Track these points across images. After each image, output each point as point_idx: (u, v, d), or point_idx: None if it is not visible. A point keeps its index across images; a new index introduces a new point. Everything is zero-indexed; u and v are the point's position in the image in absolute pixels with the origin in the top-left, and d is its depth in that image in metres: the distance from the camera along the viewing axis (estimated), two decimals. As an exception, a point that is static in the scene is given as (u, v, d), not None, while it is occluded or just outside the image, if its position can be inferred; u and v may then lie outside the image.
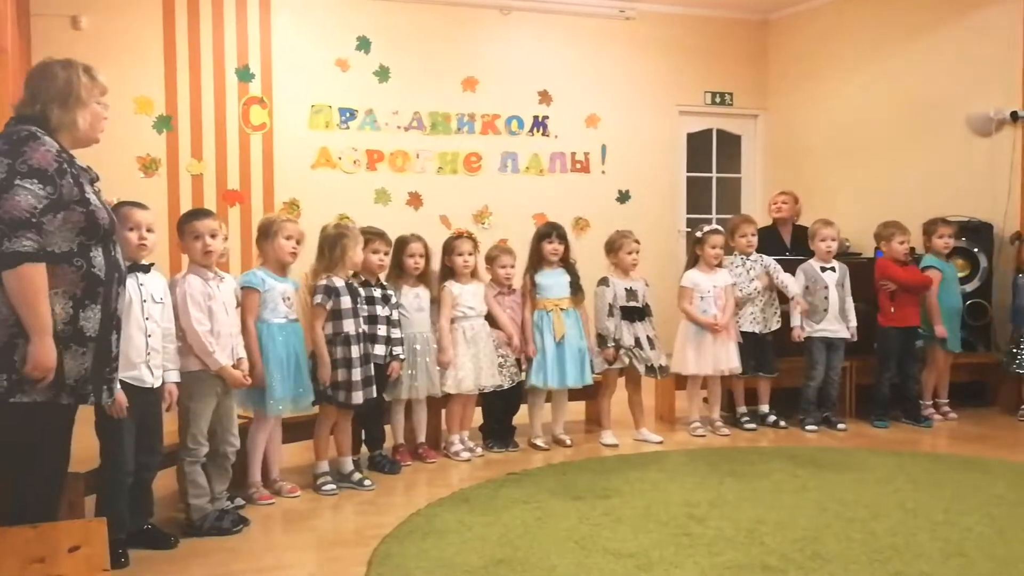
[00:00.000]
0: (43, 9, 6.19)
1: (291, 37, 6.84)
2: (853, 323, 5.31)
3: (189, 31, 6.59)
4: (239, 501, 3.79)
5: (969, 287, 5.93)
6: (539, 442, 4.87)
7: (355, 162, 7.00)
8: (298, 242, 3.97)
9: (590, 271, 5.10)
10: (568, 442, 4.95)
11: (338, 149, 6.96)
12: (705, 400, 5.39)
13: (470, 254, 4.72)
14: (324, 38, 6.92)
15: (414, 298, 4.57)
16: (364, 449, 4.54)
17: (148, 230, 3.21)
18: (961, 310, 5.65)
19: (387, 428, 4.65)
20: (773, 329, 5.33)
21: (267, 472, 4.05)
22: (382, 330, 4.30)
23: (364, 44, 7.01)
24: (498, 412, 4.94)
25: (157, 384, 3.23)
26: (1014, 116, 6.04)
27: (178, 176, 6.60)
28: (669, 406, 5.60)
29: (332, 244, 4.09)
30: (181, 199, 6.52)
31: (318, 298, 4.03)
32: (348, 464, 4.20)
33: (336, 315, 4.05)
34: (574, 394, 5.09)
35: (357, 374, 4.05)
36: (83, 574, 2.04)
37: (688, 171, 8.16)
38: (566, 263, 4.95)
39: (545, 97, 7.52)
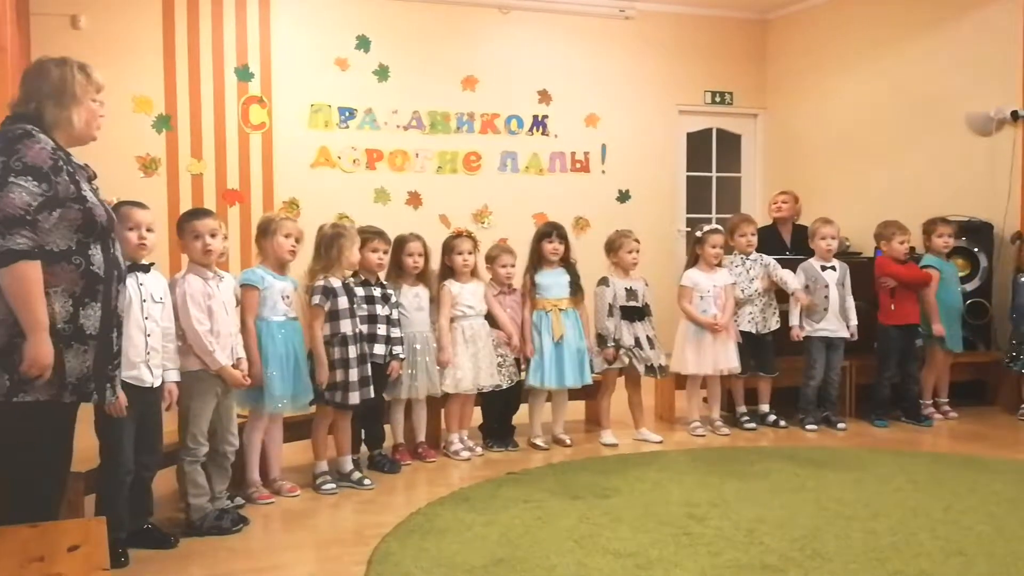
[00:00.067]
0: (42, 8, 6.18)
1: (290, 36, 6.83)
2: (854, 322, 5.31)
3: (188, 30, 6.59)
4: (239, 500, 3.80)
5: (969, 286, 5.92)
6: (539, 442, 4.87)
7: (354, 161, 7.00)
8: (297, 240, 3.97)
9: (590, 271, 5.10)
10: (568, 442, 4.95)
11: (337, 148, 6.96)
12: (705, 400, 5.39)
13: (470, 253, 4.72)
14: (323, 37, 6.92)
15: (413, 297, 4.57)
16: (364, 448, 4.54)
17: (148, 230, 3.21)
18: (961, 309, 5.64)
19: (387, 427, 4.65)
20: (772, 329, 5.32)
21: (267, 471, 4.05)
22: (382, 329, 4.30)
23: (363, 43, 7.01)
24: (498, 412, 4.94)
25: (157, 384, 3.23)
26: (1014, 115, 6.04)
27: (178, 176, 6.60)
28: (669, 406, 5.60)
29: (329, 244, 4.09)
30: (181, 199, 6.52)
31: (316, 299, 4.03)
32: (348, 463, 4.20)
33: (333, 316, 4.05)
34: (574, 394, 5.09)
35: (354, 374, 4.05)
36: (82, 573, 2.03)
37: (688, 170, 8.16)
38: (566, 263, 4.95)
39: (545, 96, 7.52)
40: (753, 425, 5.31)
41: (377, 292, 4.36)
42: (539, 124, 7.51)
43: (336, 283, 4.08)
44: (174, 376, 3.36)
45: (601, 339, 4.94)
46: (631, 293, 4.99)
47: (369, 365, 4.16)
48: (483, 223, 7.23)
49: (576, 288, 4.92)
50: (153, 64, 6.52)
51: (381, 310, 4.33)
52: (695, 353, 5.12)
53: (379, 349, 4.29)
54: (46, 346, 2.44)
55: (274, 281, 3.89)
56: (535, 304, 4.86)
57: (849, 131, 7.33)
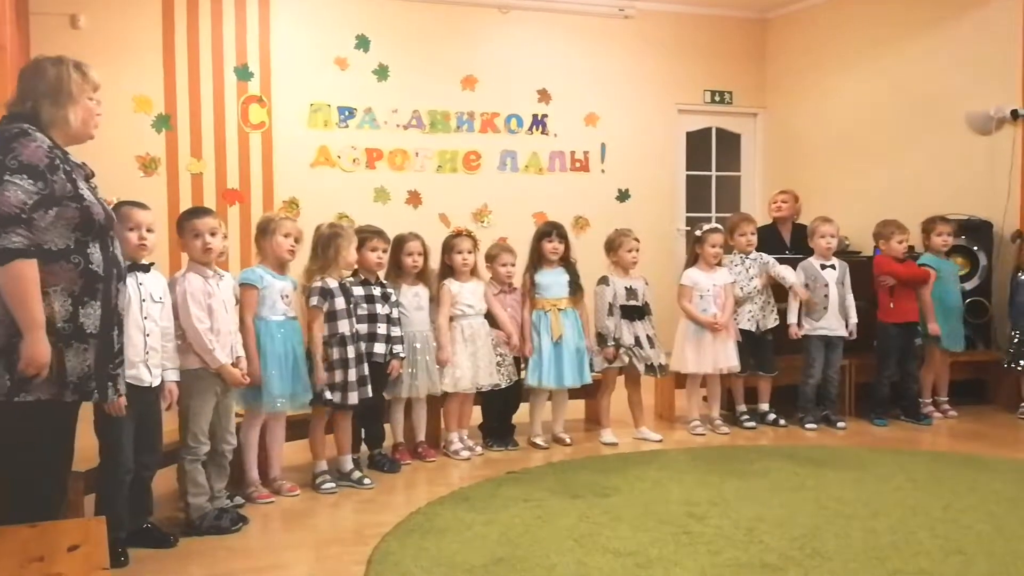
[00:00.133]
0: (42, 8, 6.18)
1: (290, 35, 6.83)
2: (854, 320, 5.31)
3: (188, 30, 6.59)
4: (238, 500, 3.80)
5: (968, 285, 5.92)
6: (539, 441, 4.87)
7: (354, 161, 7.00)
8: (296, 240, 3.97)
9: (590, 270, 5.10)
10: (568, 441, 4.95)
11: (337, 148, 6.96)
12: (704, 399, 5.39)
13: (469, 252, 4.73)
14: (323, 36, 6.92)
15: (413, 297, 4.57)
16: (364, 448, 4.54)
17: (148, 230, 3.22)
18: (961, 308, 5.63)
19: (386, 427, 4.65)
20: (771, 326, 5.32)
21: (268, 471, 4.06)
22: (382, 328, 4.31)
23: (363, 42, 7.01)
24: (497, 411, 4.94)
25: (156, 383, 3.23)
26: (1014, 114, 6.04)
27: (177, 175, 6.60)
28: (669, 405, 5.61)
29: (326, 244, 4.09)
30: (181, 198, 6.52)
31: (313, 300, 4.03)
32: (348, 463, 4.21)
33: (331, 316, 4.05)
34: (574, 393, 5.08)
35: (353, 374, 4.05)
36: (82, 573, 2.03)
37: (687, 170, 8.15)
38: (566, 262, 4.95)
39: (544, 96, 7.52)
40: (753, 424, 5.31)
41: (377, 291, 4.36)
42: (539, 123, 7.51)
43: (333, 283, 4.08)
44: (174, 376, 3.36)
45: (601, 338, 4.95)
46: (631, 292, 4.99)
47: (366, 365, 4.16)
48: (483, 222, 7.23)
49: (576, 288, 4.92)
50: (153, 64, 6.51)
51: (381, 309, 4.33)
52: (695, 352, 5.12)
53: (379, 348, 4.29)
54: (43, 345, 2.44)
55: (273, 281, 3.90)
56: (534, 304, 4.86)
57: (849, 130, 7.33)
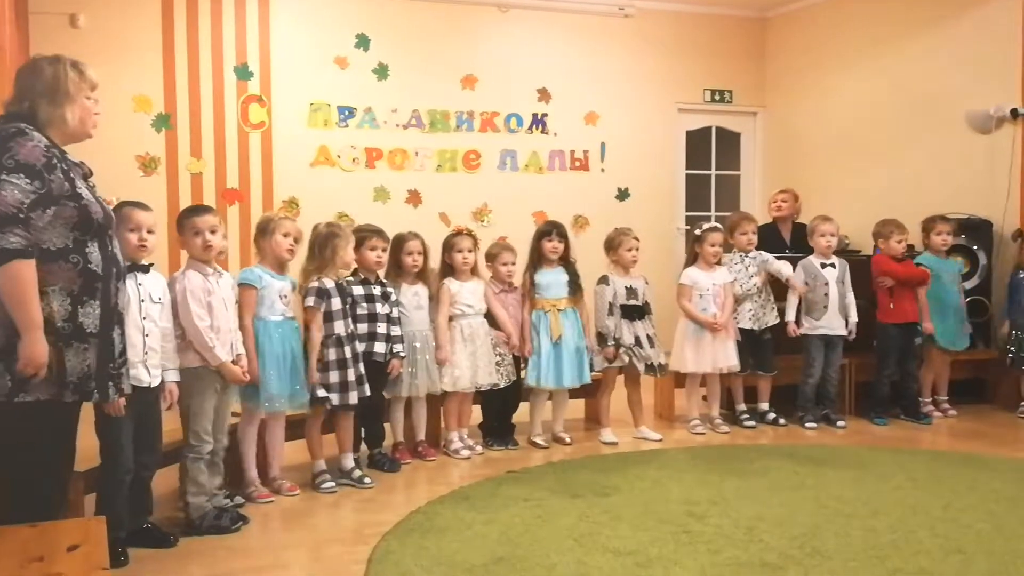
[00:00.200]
0: (41, 7, 6.17)
1: (290, 35, 6.83)
2: (854, 319, 5.31)
3: (188, 29, 6.58)
4: (238, 499, 3.80)
5: (968, 284, 5.91)
6: (539, 440, 4.87)
7: (354, 160, 7.00)
8: (296, 240, 3.97)
9: (589, 269, 5.10)
10: (568, 440, 4.95)
11: (337, 147, 6.96)
12: (704, 398, 5.39)
13: (470, 251, 4.73)
14: (323, 36, 6.91)
15: (413, 296, 4.57)
16: (363, 447, 4.54)
17: (149, 231, 3.21)
18: (961, 307, 5.62)
19: (386, 426, 4.65)
20: (770, 324, 5.31)
21: (267, 470, 4.06)
22: (382, 328, 4.31)
23: (363, 42, 7.00)
24: (497, 410, 4.94)
25: (155, 383, 3.23)
26: (1014, 113, 6.03)
27: (177, 175, 6.59)
28: (668, 404, 5.61)
29: (323, 244, 4.08)
30: (180, 198, 6.51)
31: (310, 301, 4.02)
32: (349, 461, 4.21)
33: (327, 317, 4.05)
34: (574, 392, 5.08)
35: (350, 374, 4.05)
36: (82, 573, 2.03)
37: (687, 169, 8.15)
38: (565, 262, 4.95)
39: (544, 95, 7.51)
40: (752, 423, 5.31)
41: (377, 290, 4.36)
42: (538, 122, 7.50)
43: (330, 284, 4.07)
44: (174, 376, 3.36)
45: (601, 337, 4.95)
46: (631, 292, 4.99)
47: (362, 364, 4.16)
48: (482, 221, 7.23)
49: (575, 287, 4.92)
50: (152, 63, 6.51)
51: (381, 308, 4.34)
52: (694, 351, 5.12)
53: (379, 347, 4.29)
54: (41, 345, 2.44)
55: (272, 280, 3.89)
56: (534, 304, 4.86)
57: (849, 129, 7.32)
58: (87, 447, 3.09)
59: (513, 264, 4.88)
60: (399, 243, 4.57)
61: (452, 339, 4.63)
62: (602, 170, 7.70)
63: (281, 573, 3.15)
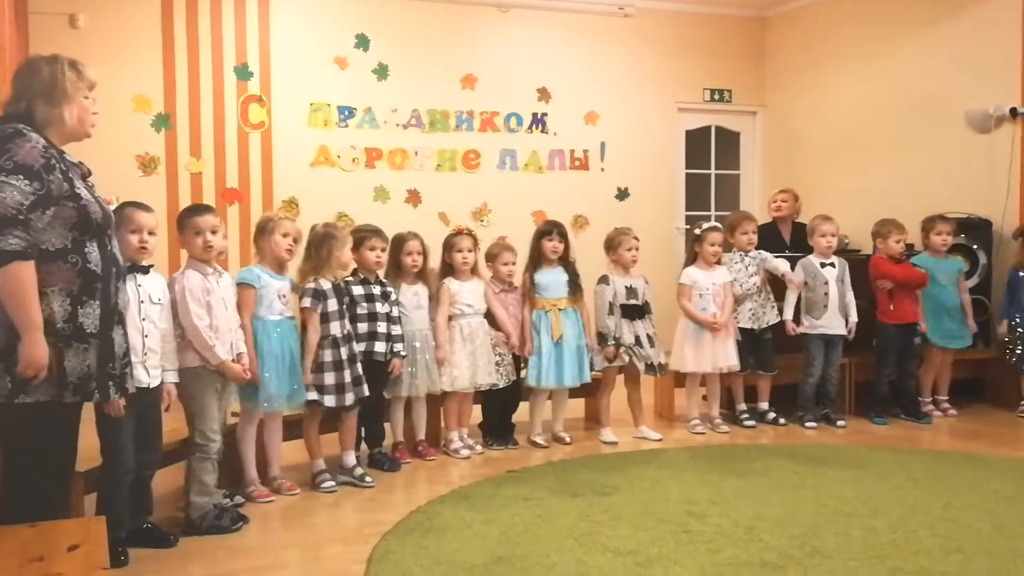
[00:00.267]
0: (41, 7, 6.17)
1: (290, 35, 6.82)
2: (854, 318, 5.31)
3: (187, 29, 6.58)
4: (238, 499, 3.80)
5: (968, 283, 5.90)
6: (539, 440, 4.87)
7: (354, 160, 7.00)
8: (295, 240, 3.98)
9: (589, 269, 5.10)
10: (567, 440, 4.95)
11: (337, 147, 6.95)
12: (704, 398, 5.39)
13: (469, 251, 4.73)
14: (323, 36, 6.91)
15: (413, 296, 4.57)
16: (363, 447, 4.54)
17: (150, 233, 3.21)
18: (959, 307, 5.61)
19: (386, 426, 4.65)
20: (771, 323, 5.31)
21: (267, 470, 4.06)
22: (382, 327, 4.31)
23: (363, 42, 7.00)
24: (497, 410, 4.94)
25: (155, 384, 3.23)
26: (1013, 112, 6.03)
27: (177, 175, 6.59)
28: (668, 404, 5.61)
29: (319, 245, 4.08)
30: (180, 197, 6.51)
31: (306, 302, 4.02)
32: (351, 458, 4.21)
33: (323, 318, 4.05)
34: (573, 391, 5.09)
35: (346, 375, 4.04)
36: (82, 573, 2.03)
37: (687, 168, 8.15)
38: (565, 261, 4.95)
39: (544, 94, 7.51)
40: (752, 423, 5.31)
41: (376, 290, 4.37)
42: (538, 122, 7.50)
43: (326, 284, 4.07)
44: (172, 377, 3.36)
45: (601, 337, 4.95)
46: (631, 291, 4.99)
47: (360, 365, 4.16)
48: (482, 221, 7.23)
49: (575, 287, 4.92)
50: (152, 63, 6.51)
51: (381, 308, 4.34)
52: (694, 351, 5.12)
53: (380, 347, 4.29)
54: (41, 347, 2.44)
55: (271, 280, 3.90)
56: (534, 303, 4.86)
57: (848, 128, 7.32)
58: (87, 447, 3.08)
59: (513, 264, 4.89)
60: (399, 243, 4.57)
61: (451, 339, 4.63)
62: (602, 170, 7.69)
63: (281, 573, 3.16)
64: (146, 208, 3.23)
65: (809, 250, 5.51)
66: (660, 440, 4.99)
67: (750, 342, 5.27)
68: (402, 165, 7.12)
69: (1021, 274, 5.63)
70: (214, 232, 3.53)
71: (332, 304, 4.07)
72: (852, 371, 5.61)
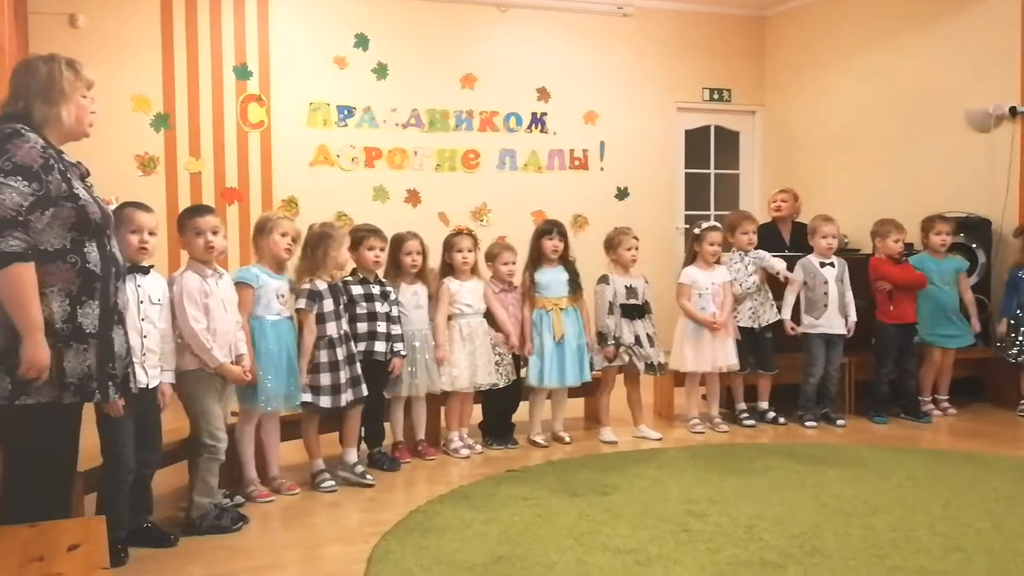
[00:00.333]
0: (41, 7, 6.17)
1: (289, 34, 6.82)
2: (853, 318, 5.31)
3: (187, 29, 6.58)
4: (238, 499, 3.80)
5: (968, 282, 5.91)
6: (538, 439, 4.87)
7: (353, 159, 7.00)
8: (293, 239, 3.98)
9: (589, 268, 5.10)
10: (567, 439, 4.95)
11: (336, 147, 6.95)
12: (704, 397, 5.39)
13: (469, 251, 4.73)
14: (322, 35, 6.91)
15: (412, 295, 4.57)
16: (363, 446, 4.54)
17: (151, 233, 3.21)
18: (958, 307, 5.60)
19: (386, 425, 4.65)
20: (771, 321, 5.31)
21: (266, 470, 4.06)
22: (382, 327, 4.31)
23: (362, 41, 7.00)
24: (497, 409, 4.94)
25: (153, 384, 3.23)
26: (1012, 111, 6.03)
27: (176, 174, 6.59)
28: (668, 403, 5.61)
29: (315, 245, 4.08)
30: (180, 197, 6.51)
31: (301, 303, 4.01)
32: (352, 455, 4.20)
33: (319, 319, 4.04)
34: (573, 391, 5.09)
35: (342, 376, 4.04)
36: (82, 572, 2.03)
37: (686, 167, 8.15)
38: (565, 260, 4.95)
39: (543, 94, 7.51)
40: (752, 422, 5.31)
41: (376, 290, 4.36)
42: (538, 122, 7.50)
43: (322, 285, 4.06)
44: (169, 378, 3.36)
45: (601, 337, 4.94)
46: (631, 291, 4.98)
47: (359, 364, 4.15)
48: (482, 221, 7.23)
49: (575, 286, 4.92)
50: (151, 62, 6.51)
51: (381, 307, 4.34)
52: (694, 350, 5.12)
53: (380, 346, 4.29)
54: (42, 348, 2.43)
55: (269, 280, 3.89)
56: (535, 303, 4.86)
57: (847, 127, 7.33)
58: (87, 447, 3.08)
59: (514, 264, 4.88)
60: (398, 243, 4.57)
61: (450, 338, 4.63)
62: (601, 169, 7.70)
63: (281, 573, 3.15)
64: (146, 208, 3.23)
65: (809, 250, 5.51)
66: (660, 439, 4.99)
67: (750, 341, 5.27)
68: (401, 165, 7.12)
69: (1021, 273, 5.62)
70: (215, 233, 3.52)
71: (328, 304, 4.06)
72: (852, 370, 5.61)
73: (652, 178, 7.83)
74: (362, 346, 4.22)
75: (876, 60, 7.07)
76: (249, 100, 6.75)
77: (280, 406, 3.93)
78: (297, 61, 6.84)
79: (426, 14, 7.16)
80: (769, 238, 5.98)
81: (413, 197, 7.14)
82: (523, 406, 4.98)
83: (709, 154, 8.25)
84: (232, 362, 3.56)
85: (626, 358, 4.94)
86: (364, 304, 4.28)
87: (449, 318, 4.65)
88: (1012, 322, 5.58)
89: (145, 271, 3.23)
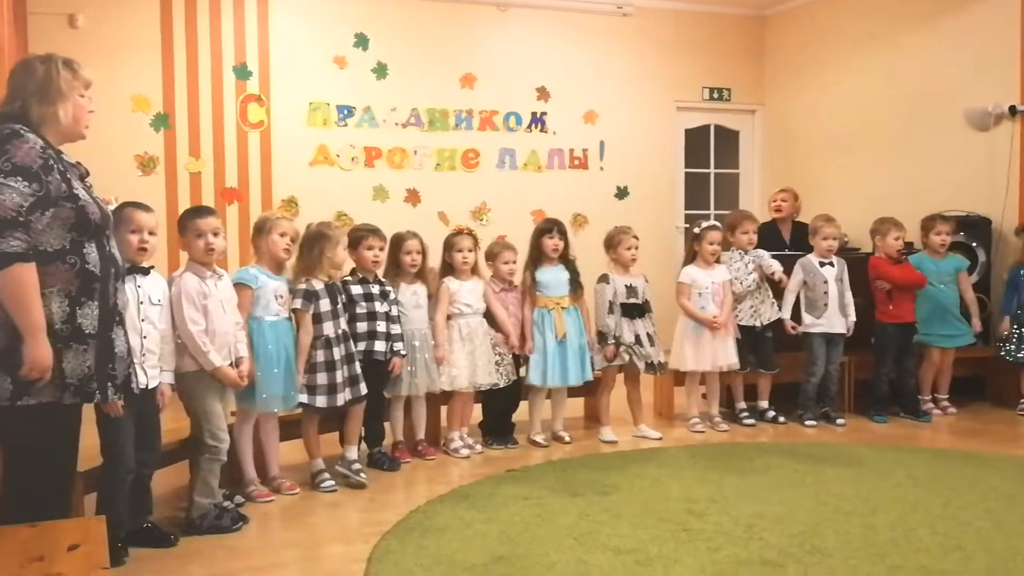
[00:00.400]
0: (40, 7, 6.17)
1: (289, 34, 6.82)
2: (852, 318, 5.31)
3: (186, 29, 6.58)
4: (238, 499, 3.80)
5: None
6: (538, 439, 4.87)
7: (353, 159, 7.00)
8: (292, 239, 3.97)
9: (589, 268, 5.09)
10: (567, 439, 4.95)
11: (336, 146, 6.95)
12: (704, 396, 5.39)
13: (470, 251, 4.72)
14: (322, 35, 6.91)
15: (412, 295, 4.57)
16: (363, 446, 4.54)
17: (151, 233, 3.20)
18: (958, 306, 5.59)
19: (386, 425, 4.65)
20: (771, 319, 5.30)
21: (266, 470, 4.06)
22: (382, 326, 4.31)
23: (362, 41, 7.00)
24: (497, 409, 4.93)
25: (153, 384, 3.23)
26: (1012, 110, 6.03)
27: (176, 174, 6.59)
28: (668, 402, 5.61)
29: (311, 244, 4.07)
30: (179, 197, 6.51)
31: (297, 303, 4.00)
32: (352, 453, 4.20)
33: (316, 319, 4.03)
34: (573, 390, 5.08)
35: (339, 376, 4.04)
36: (82, 572, 2.03)
37: (686, 167, 8.15)
38: (565, 259, 4.95)
39: (543, 93, 7.51)
40: (752, 421, 5.31)
41: (375, 289, 4.36)
42: (537, 121, 7.50)
43: (319, 285, 4.06)
44: (167, 378, 3.35)
45: (601, 336, 4.94)
46: (631, 290, 4.98)
47: (357, 364, 4.15)
48: (482, 220, 7.23)
49: (576, 285, 4.92)
50: (151, 62, 6.51)
51: (380, 307, 4.34)
52: (694, 350, 5.12)
53: (380, 346, 4.29)
54: (44, 349, 2.43)
55: (268, 280, 3.89)
56: (536, 302, 4.86)
57: (847, 126, 7.33)
58: (87, 447, 3.08)
59: (514, 263, 4.88)
60: (397, 242, 4.57)
61: (450, 338, 4.63)
62: (601, 168, 7.70)
63: (281, 573, 3.15)
64: (146, 208, 3.22)
65: (809, 249, 5.50)
66: (660, 439, 4.99)
67: (751, 340, 5.27)
68: (401, 164, 7.12)
69: (1022, 272, 5.62)
70: (216, 234, 3.51)
71: (325, 304, 4.05)
72: (852, 370, 5.62)
73: (652, 177, 7.83)
74: (362, 346, 4.22)
75: (876, 60, 7.06)
76: (249, 100, 6.75)
77: (278, 406, 3.93)
78: (297, 61, 6.84)
79: (426, 14, 7.16)
80: (769, 238, 5.98)
81: (413, 197, 7.14)
82: (523, 406, 4.98)
83: (709, 153, 8.25)
84: (231, 364, 3.55)
85: (626, 357, 4.94)
86: (364, 304, 4.28)
87: (449, 318, 4.65)
88: (1013, 321, 5.58)
89: (145, 272, 3.23)
